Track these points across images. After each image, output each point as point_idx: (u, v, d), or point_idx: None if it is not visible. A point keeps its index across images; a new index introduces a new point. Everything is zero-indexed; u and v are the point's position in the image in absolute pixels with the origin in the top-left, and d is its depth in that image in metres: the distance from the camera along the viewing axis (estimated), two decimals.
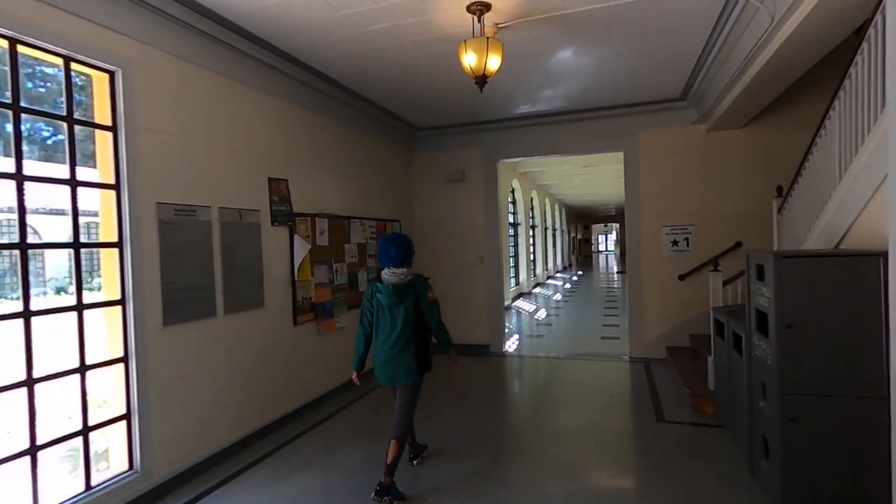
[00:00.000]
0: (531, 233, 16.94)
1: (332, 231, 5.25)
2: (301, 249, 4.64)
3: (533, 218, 17.48)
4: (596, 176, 15.74)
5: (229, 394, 3.81)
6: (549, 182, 17.00)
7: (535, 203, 17.52)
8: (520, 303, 12.70)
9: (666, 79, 5.31)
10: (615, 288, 16.29)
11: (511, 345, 7.38)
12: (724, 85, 4.83)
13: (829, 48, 3.45)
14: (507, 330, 8.39)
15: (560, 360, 6.50)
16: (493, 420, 4.45)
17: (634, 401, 4.85)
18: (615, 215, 41.60)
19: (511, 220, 13.96)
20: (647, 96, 5.81)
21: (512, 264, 14.01)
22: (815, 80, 5.06)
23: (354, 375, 3.26)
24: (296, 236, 4.62)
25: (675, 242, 6.12)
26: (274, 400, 4.31)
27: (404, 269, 3.17)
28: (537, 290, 16.04)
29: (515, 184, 13.90)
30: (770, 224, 5.58)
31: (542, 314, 10.70)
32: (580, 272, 24.12)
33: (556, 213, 23.50)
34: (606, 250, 49.67)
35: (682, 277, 6.05)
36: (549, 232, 21.24)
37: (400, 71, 4.72)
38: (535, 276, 17.60)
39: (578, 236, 39.83)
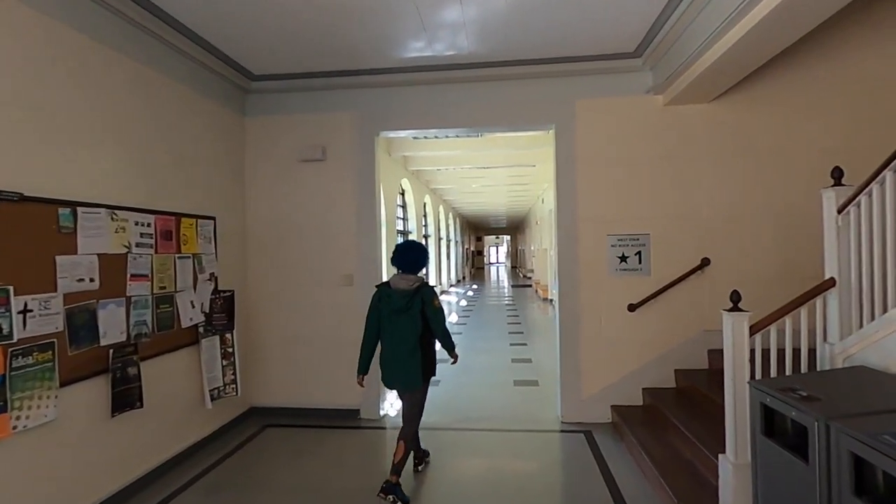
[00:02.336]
0: (425, 241, 14.92)
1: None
2: None
3: (426, 226, 15.48)
4: (494, 181, 14.21)
5: None
6: (444, 187, 15.15)
7: (429, 209, 15.56)
8: None
9: (620, 18, 3.52)
10: (514, 304, 14.86)
11: (391, 405, 5.11)
12: (702, 41, 3.24)
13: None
14: None
15: (460, 434, 4.36)
16: None
17: None
18: (507, 227, 41.86)
19: (401, 226, 11.76)
20: (592, 46, 3.99)
21: None
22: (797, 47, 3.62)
23: (360, 378, 3.31)
24: None
25: (623, 258, 4.36)
26: None
27: (414, 276, 3.26)
28: (443, 298, 14.01)
29: (406, 184, 11.75)
30: (753, 233, 4.01)
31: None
32: (475, 286, 22.69)
33: (451, 222, 21.89)
34: (497, 262, 49.99)
35: (633, 307, 4.29)
36: (444, 242, 19.47)
37: None
38: None
39: (471, 248, 39.07)
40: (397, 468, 3.08)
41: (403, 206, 12.24)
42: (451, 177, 13.53)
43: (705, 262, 4.23)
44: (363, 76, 4.50)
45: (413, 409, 3.25)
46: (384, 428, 4.50)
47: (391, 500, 2.99)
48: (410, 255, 3.26)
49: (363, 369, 3.29)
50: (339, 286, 4.67)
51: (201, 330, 3.90)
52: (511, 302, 15.83)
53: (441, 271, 18.77)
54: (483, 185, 14.71)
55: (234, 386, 4.18)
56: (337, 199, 4.68)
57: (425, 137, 8.80)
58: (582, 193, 4.42)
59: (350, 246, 4.67)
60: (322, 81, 4.56)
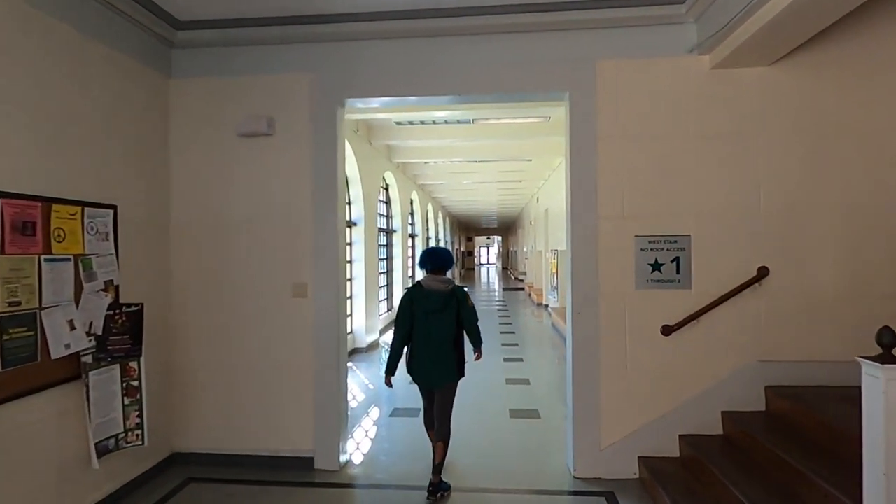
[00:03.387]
0: (410, 242, 13.87)
1: None
2: None
3: (413, 224, 14.45)
4: (486, 176, 13.22)
5: None
6: (433, 182, 14.13)
7: (417, 206, 14.53)
8: (390, 336, 9.45)
9: None
10: (506, 309, 13.89)
11: (357, 448, 4.08)
12: None
13: None
14: (351, 409, 5.10)
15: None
16: None
17: None
18: (498, 228, 40.95)
19: (384, 224, 10.71)
20: None
21: (384, 283, 10.75)
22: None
23: (389, 379, 3.39)
24: None
25: (656, 266, 3.36)
26: None
27: (446, 278, 3.38)
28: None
29: (391, 178, 10.71)
30: (822, 234, 3.05)
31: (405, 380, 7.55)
32: (465, 288, 21.62)
33: (441, 221, 20.88)
34: (488, 263, 49.10)
35: (668, 330, 3.30)
36: (432, 243, 18.44)
37: None
38: None
39: (462, 248, 38.08)
40: (438, 468, 3.21)
41: (388, 202, 11.19)
42: (441, 171, 12.51)
43: (762, 273, 3.25)
44: (323, 25, 3.46)
45: (447, 407, 3.31)
46: (347, 486, 3.46)
47: (440, 496, 3.16)
48: (441, 258, 3.42)
49: (392, 370, 3.38)
50: (290, 298, 3.63)
51: (88, 360, 2.84)
52: (503, 307, 14.85)
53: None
54: (475, 181, 13.72)
55: (139, 432, 3.11)
56: (288, 186, 3.64)
57: (410, 123, 7.77)
58: (604, 183, 3.42)
59: (304, 247, 3.62)
60: (269, 32, 3.51)
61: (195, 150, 3.69)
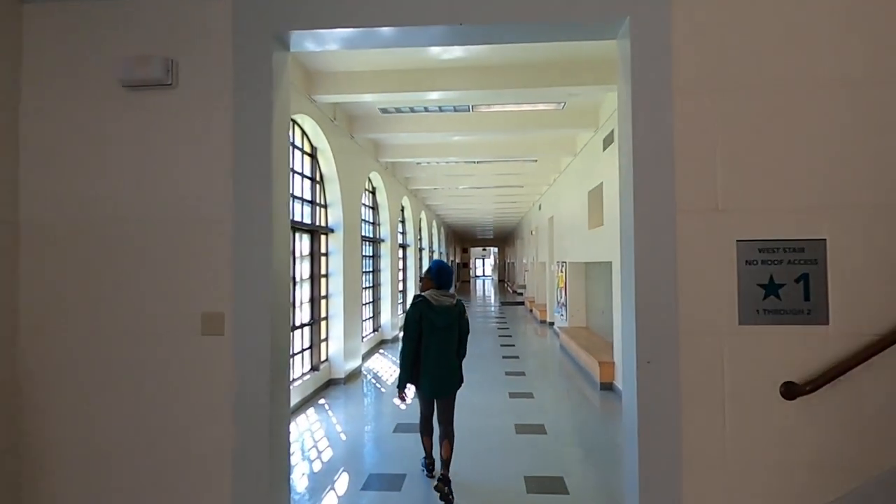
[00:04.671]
0: (401, 253, 12.62)
1: None
2: None
3: (404, 234, 13.22)
4: (484, 180, 12.05)
5: None
6: (426, 188, 12.95)
7: (409, 214, 13.31)
8: (377, 362, 8.13)
9: None
10: (507, 327, 12.62)
11: None
12: None
13: None
14: (312, 473, 3.80)
15: None
16: None
17: None
18: (494, 239, 39.80)
19: (370, 232, 9.47)
20: None
21: (369, 299, 9.48)
22: None
23: (404, 393, 3.54)
24: None
25: (772, 288, 2.12)
26: None
27: (451, 292, 3.62)
28: None
29: (378, 180, 9.49)
30: None
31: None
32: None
33: (435, 231, 19.67)
34: (483, 275, 47.88)
35: (794, 391, 2.04)
36: (426, 254, 17.21)
37: None
38: (404, 311, 13.22)
39: (457, 260, 36.85)
40: (447, 463, 3.48)
41: (374, 208, 9.95)
42: (434, 174, 11.31)
43: None
44: None
45: (452, 411, 3.59)
46: None
47: (447, 490, 3.36)
48: (447, 274, 3.63)
49: (404, 384, 3.51)
50: (197, 337, 2.34)
51: None
52: (502, 324, 13.57)
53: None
54: (472, 185, 12.52)
55: None
56: (197, 167, 2.38)
57: (397, 111, 6.55)
58: (684, 158, 2.18)
59: (220, 260, 2.35)
60: None
61: (57, 111, 2.43)
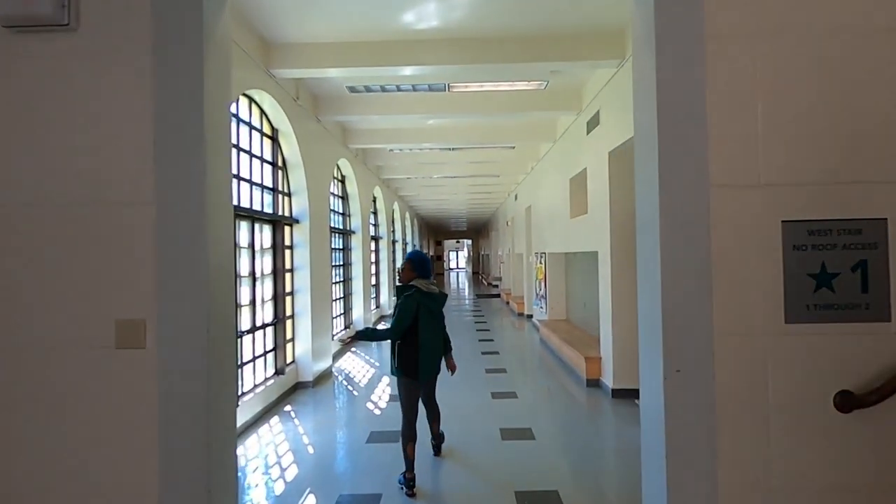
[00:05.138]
0: (374, 246, 12.10)
1: None
2: None
3: (376, 226, 12.68)
4: (460, 168, 11.62)
5: None
6: (399, 177, 12.42)
7: (381, 205, 12.77)
8: (349, 361, 7.63)
9: None
10: (484, 319, 12.27)
11: None
12: None
13: None
14: (274, 497, 3.29)
15: None
16: None
17: None
18: (467, 231, 39.48)
19: (340, 224, 8.93)
20: None
21: (340, 294, 8.96)
22: None
23: (351, 340, 3.69)
24: None
25: (823, 277, 1.75)
26: None
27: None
28: (382, 327, 11.18)
29: (348, 168, 8.95)
30: None
31: (381, 395, 5.77)
32: None
33: (409, 223, 19.16)
34: (458, 268, 47.60)
35: (850, 403, 1.69)
36: (399, 246, 16.70)
37: None
38: (378, 307, 12.72)
39: (431, 252, 36.39)
40: (437, 433, 3.97)
41: (344, 198, 9.38)
42: (407, 162, 10.80)
43: None
44: None
45: (433, 394, 3.83)
46: None
47: (441, 447, 4.01)
48: (427, 263, 3.74)
49: (369, 339, 3.87)
50: (110, 351, 1.83)
51: None
52: (479, 317, 13.22)
53: (396, 279, 15.95)
54: (446, 175, 12.06)
55: None
56: (106, 134, 1.85)
57: (367, 90, 6.02)
58: (719, 121, 1.79)
59: (139, 252, 1.83)
60: None
61: None
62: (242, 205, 4.88)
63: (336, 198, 8.73)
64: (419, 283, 3.56)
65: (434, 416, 3.91)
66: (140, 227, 1.83)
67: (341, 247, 9.06)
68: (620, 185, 5.42)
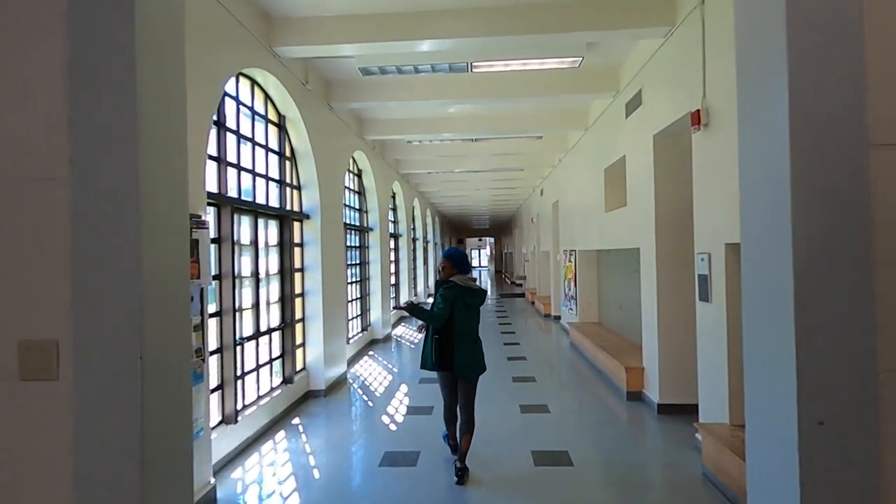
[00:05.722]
0: (393, 244, 11.62)
1: None
2: None
3: (395, 223, 12.21)
4: (482, 161, 11.05)
5: None
6: (418, 172, 11.91)
7: (401, 201, 12.28)
8: (366, 367, 7.13)
9: None
10: (508, 320, 11.65)
11: None
12: None
13: None
14: None
15: None
16: None
17: None
18: (489, 229, 38.78)
19: (356, 221, 8.47)
20: None
21: (356, 295, 8.51)
22: None
23: (434, 368, 3.66)
24: None
25: None
26: None
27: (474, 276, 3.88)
28: (401, 329, 10.67)
29: (363, 161, 8.49)
30: None
31: (398, 406, 5.25)
32: None
33: (430, 220, 18.66)
34: (480, 266, 46.95)
35: None
36: (420, 244, 16.21)
37: None
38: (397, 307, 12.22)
39: None
40: (464, 456, 3.57)
41: (361, 193, 8.91)
42: (428, 156, 10.26)
43: None
44: None
45: (473, 398, 3.66)
46: None
47: (466, 476, 3.51)
48: (465, 260, 3.86)
49: (430, 364, 3.65)
50: (11, 382, 1.34)
51: None
52: (503, 317, 12.61)
53: (417, 279, 15.47)
54: (468, 169, 11.49)
55: None
56: (3, 87, 1.35)
57: (381, 72, 5.50)
58: (879, 55, 1.19)
59: (46, 250, 1.34)
60: None
61: None
62: (244, 198, 4.41)
63: (352, 193, 8.25)
64: (457, 279, 3.66)
65: (466, 429, 3.60)
66: (50, 213, 1.33)
67: (358, 245, 8.59)
68: (668, 173, 4.77)
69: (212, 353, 3.82)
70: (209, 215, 3.82)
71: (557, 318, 11.02)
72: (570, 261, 9.25)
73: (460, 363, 3.55)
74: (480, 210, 24.38)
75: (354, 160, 8.32)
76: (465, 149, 9.37)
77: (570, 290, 9.35)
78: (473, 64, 5.25)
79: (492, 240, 43.35)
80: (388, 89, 5.98)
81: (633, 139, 5.41)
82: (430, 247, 19.25)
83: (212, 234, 3.91)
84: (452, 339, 3.56)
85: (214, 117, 3.77)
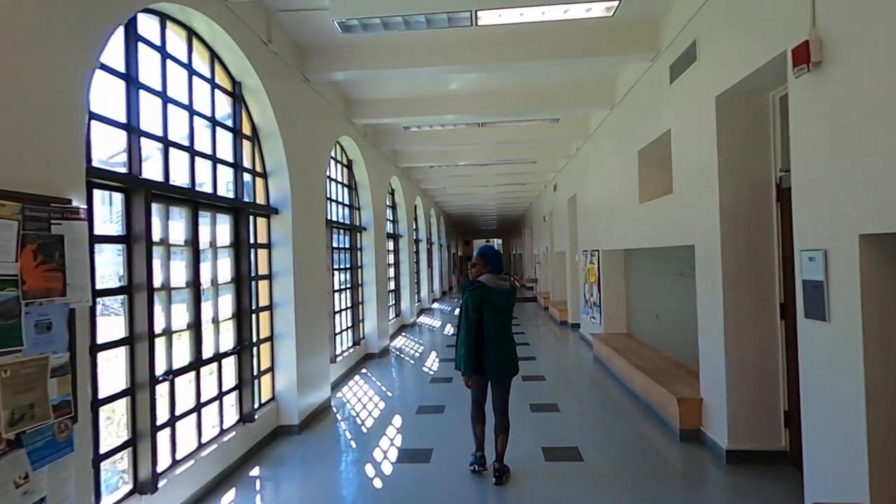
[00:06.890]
0: (392, 246, 10.51)
1: None
2: None
3: (395, 222, 11.10)
4: (490, 153, 9.92)
5: None
6: (420, 165, 10.78)
7: (400, 198, 11.17)
8: (401, 341, 5.98)
9: None
10: (517, 326, 10.47)
11: None
12: None
13: None
14: None
15: None
16: None
17: None
18: (497, 230, 37.52)
19: (345, 218, 7.35)
20: None
21: (345, 304, 7.41)
22: None
23: (468, 380, 3.52)
24: None
25: None
26: None
27: (505, 276, 3.66)
28: (401, 341, 9.50)
29: (353, 149, 7.37)
30: None
31: (389, 446, 4.12)
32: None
33: (434, 220, 17.54)
34: None
35: None
36: (424, 245, 15.09)
37: None
38: (398, 315, 11.12)
39: (459, 253, 34.66)
40: (502, 455, 3.50)
41: (352, 188, 7.80)
42: (428, 146, 9.13)
43: None
44: None
45: (507, 399, 3.54)
46: None
47: (505, 478, 3.46)
48: (499, 259, 3.66)
49: (471, 369, 3.44)
50: None
51: None
52: (515, 324, 11.42)
53: (420, 282, 14.34)
54: (473, 163, 10.34)
55: None
56: None
57: (362, 27, 4.38)
58: None
59: None
60: None
61: None
62: (176, 182, 3.32)
63: (340, 185, 7.15)
64: (486, 279, 3.51)
65: (502, 429, 3.52)
66: None
67: (348, 246, 7.48)
68: (737, 146, 3.62)
69: (115, 397, 2.73)
70: (107, 204, 2.73)
71: (576, 326, 9.83)
72: (591, 262, 8.08)
73: (491, 368, 3.46)
74: (487, 209, 23.19)
75: (343, 148, 7.22)
76: (470, 135, 8.23)
77: (591, 295, 8.18)
78: (478, 13, 4.13)
79: (500, 241, 42.14)
80: (375, 52, 4.88)
81: (683, 107, 4.26)
82: (435, 249, 18.12)
83: (119, 230, 2.82)
84: (482, 343, 3.44)
85: (113, 63, 2.68)
